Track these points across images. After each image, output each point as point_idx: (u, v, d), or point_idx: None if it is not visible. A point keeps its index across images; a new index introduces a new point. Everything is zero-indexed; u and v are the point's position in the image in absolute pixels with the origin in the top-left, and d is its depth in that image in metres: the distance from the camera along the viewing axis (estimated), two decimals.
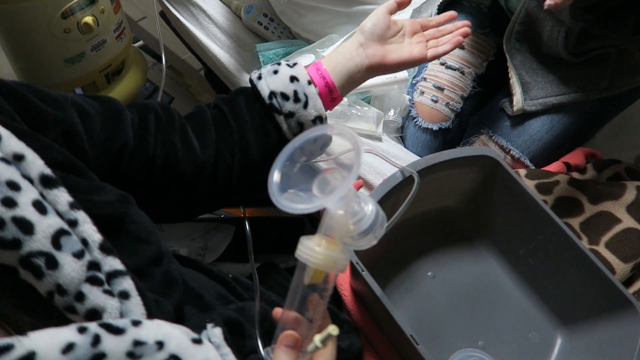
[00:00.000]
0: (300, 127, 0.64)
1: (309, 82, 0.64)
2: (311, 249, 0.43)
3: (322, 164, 0.73)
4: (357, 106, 1.03)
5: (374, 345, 0.65)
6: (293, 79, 0.63)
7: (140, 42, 1.47)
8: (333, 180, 0.43)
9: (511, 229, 0.74)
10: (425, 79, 1.05)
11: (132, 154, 0.56)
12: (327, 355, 0.44)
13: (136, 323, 0.39)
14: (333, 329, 0.42)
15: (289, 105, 0.63)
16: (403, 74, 1.04)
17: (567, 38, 0.88)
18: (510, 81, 0.96)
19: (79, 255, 0.41)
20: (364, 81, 0.69)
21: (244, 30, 1.08)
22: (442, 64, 1.03)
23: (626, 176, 0.90)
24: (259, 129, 0.63)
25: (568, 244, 0.67)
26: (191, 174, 0.60)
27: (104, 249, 0.43)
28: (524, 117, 0.95)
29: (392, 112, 1.07)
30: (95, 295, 0.40)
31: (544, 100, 0.93)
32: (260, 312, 0.57)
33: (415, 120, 1.04)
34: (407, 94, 1.08)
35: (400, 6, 0.71)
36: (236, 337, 0.51)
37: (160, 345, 0.38)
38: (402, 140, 1.09)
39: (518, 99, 0.94)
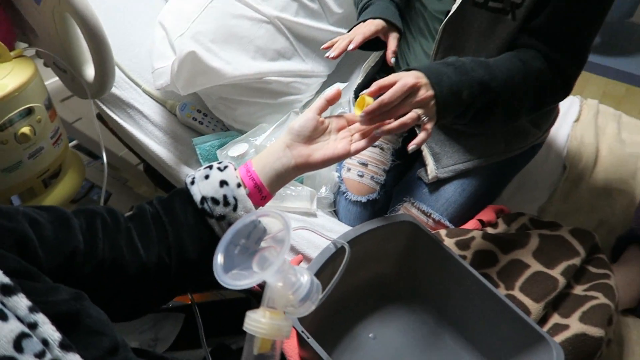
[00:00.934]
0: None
1: (239, 185, 0.67)
2: (257, 320, 0.49)
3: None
4: (292, 187, 1.12)
5: None
6: (223, 183, 0.67)
7: (75, 142, 1.51)
8: (270, 257, 0.50)
9: (439, 285, 0.83)
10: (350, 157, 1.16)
11: (83, 258, 0.59)
12: None
13: None
14: None
15: (219, 209, 0.66)
16: None
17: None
18: (423, 153, 1.09)
19: (40, 355, 0.44)
20: (293, 178, 0.73)
21: (179, 126, 1.16)
22: None
23: (530, 226, 1.02)
24: (194, 231, 0.67)
25: (487, 292, 0.76)
26: (137, 275, 0.64)
27: (64, 346, 0.46)
28: (439, 183, 1.07)
29: (323, 189, 1.17)
30: None
31: (454, 167, 1.06)
32: None
33: (345, 194, 1.14)
34: (336, 172, 1.19)
35: (331, 103, 0.74)
36: None
37: None
38: (335, 214, 1.18)
39: (431, 169, 1.06)
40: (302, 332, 0.65)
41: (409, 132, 1.17)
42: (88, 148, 1.51)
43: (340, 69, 1.37)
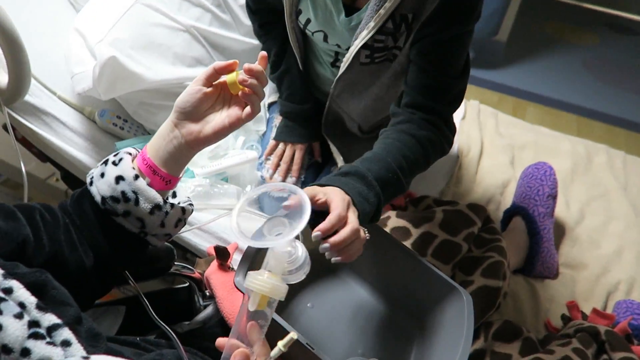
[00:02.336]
0: (141, 222, 0.67)
1: (136, 177, 0.65)
2: (259, 279, 0.56)
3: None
4: (219, 185, 1.17)
5: None
6: (119, 179, 0.64)
7: None
8: (282, 227, 0.60)
9: (367, 257, 0.92)
10: (269, 158, 1.24)
11: (33, 250, 0.60)
12: None
13: (86, 358, 0.45)
14: (293, 334, 0.54)
15: (121, 207, 0.65)
16: (252, 154, 1.22)
17: (359, 127, 1.18)
18: (333, 154, 1.21)
19: (19, 316, 0.46)
20: (191, 156, 0.69)
21: (99, 132, 1.16)
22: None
23: (434, 205, 1.17)
24: (107, 231, 0.67)
25: (408, 257, 0.87)
26: (76, 271, 0.65)
27: (40, 308, 0.48)
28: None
29: (248, 188, 1.23)
30: (40, 348, 0.45)
31: None
32: (177, 355, 0.65)
33: (269, 192, 1.21)
34: (258, 170, 1.26)
35: (220, 72, 0.66)
36: None
37: None
38: (261, 210, 1.25)
39: (340, 166, 1.18)
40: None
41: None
42: None
43: None
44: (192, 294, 0.91)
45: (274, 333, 0.69)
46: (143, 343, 0.69)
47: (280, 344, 0.54)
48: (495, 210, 1.32)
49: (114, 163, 0.66)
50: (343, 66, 1.01)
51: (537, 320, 1.09)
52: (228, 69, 0.66)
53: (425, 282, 0.87)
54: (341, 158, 1.21)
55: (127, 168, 0.65)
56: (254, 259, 0.77)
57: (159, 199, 0.67)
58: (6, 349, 0.44)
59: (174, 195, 0.78)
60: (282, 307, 0.85)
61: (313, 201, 0.68)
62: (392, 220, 1.07)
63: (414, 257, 0.86)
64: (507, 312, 1.09)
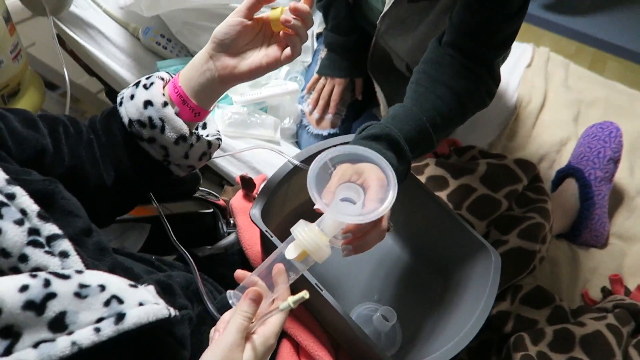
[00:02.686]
0: (165, 150, 0.65)
1: (165, 104, 0.63)
2: (309, 234, 0.55)
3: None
4: (256, 114, 1.14)
5: None
6: (147, 103, 0.63)
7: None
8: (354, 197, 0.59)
9: (395, 204, 0.88)
10: (310, 92, 1.19)
11: (52, 159, 0.60)
12: (282, 315, 0.54)
13: (79, 272, 0.45)
14: (305, 293, 0.52)
15: (147, 132, 0.64)
16: (293, 86, 1.17)
17: (407, 66, 1.08)
18: (377, 94, 1.14)
19: (19, 222, 0.46)
20: (223, 91, 0.67)
21: (142, 50, 1.15)
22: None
23: (480, 157, 1.10)
24: (131, 152, 0.66)
25: (437, 208, 0.82)
26: (95, 187, 0.65)
27: (42, 217, 0.48)
28: None
29: (287, 120, 1.19)
30: (37, 256, 0.46)
31: None
32: (187, 278, 0.65)
33: (307, 128, 1.18)
34: (299, 104, 1.22)
35: (264, 2, 0.61)
36: (167, 296, 0.58)
37: (102, 288, 0.45)
38: (298, 145, 1.22)
39: (383, 108, 1.11)
40: (266, 231, 0.69)
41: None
42: (45, 76, 1.47)
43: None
44: (217, 220, 0.91)
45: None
46: (158, 262, 0.70)
47: (291, 300, 0.52)
48: (548, 169, 1.22)
49: (145, 86, 0.64)
50: (388, 2, 0.93)
51: (574, 290, 1.03)
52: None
53: (454, 237, 0.83)
54: (384, 99, 1.14)
55: (157, 94, 0.63)
56: (272, 195, 0.75)
57: (185, 129, 0.65)
58: (4, 253, 0.45)
59: (204, 126, 0.76)
60: None
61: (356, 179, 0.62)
62: (430, 169, 1.02)
63: (445, 209, 0.81)
64: (542, 277, 1.03)
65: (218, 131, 0.76)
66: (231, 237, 0.89)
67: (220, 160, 1.09)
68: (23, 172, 0.52)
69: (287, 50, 0.63)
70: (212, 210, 0.90)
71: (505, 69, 0.93)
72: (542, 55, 1.50)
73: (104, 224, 0.72)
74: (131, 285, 0.48)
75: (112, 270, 0.55)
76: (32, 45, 1.46)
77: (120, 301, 0.46)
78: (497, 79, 0.85)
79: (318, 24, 1.31)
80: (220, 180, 1.20)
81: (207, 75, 0.63)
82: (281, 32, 0.62)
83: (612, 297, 0.97)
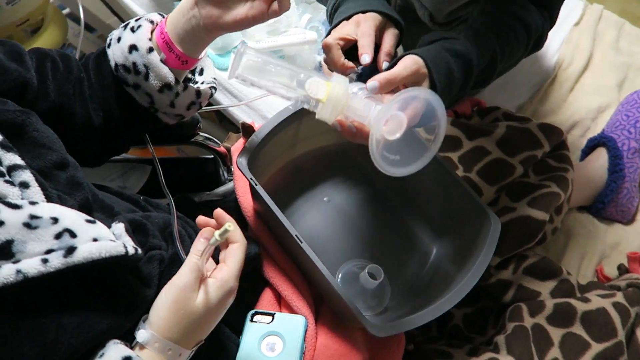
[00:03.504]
0: (150, 98, 0.65)
1: (150, 50, 0.61)
2: (343, 91, 0.58)
3: None
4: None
5: (271, 253, 0.74)
6: (132, 48, 0.61)
7: (67, 10, 1.48)
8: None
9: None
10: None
11: (35, 95, 0.60)
12: (238, 257, 0.54)
13: (33, 203, 0.46)
14: (229, 225, 0.51)
15: (131, 78, 0.63)
16: (312, 36, 1.13)
17: (431, 16, 1.00)
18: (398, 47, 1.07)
19: None
20: (212, 39, 0.64)
21: None
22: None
23: (503, 119, 1.03)
24: (119, 96, 0.66)
25: (440, 170, 0.78)
26: (82, 125, 0.65)
27: (4, 146, 0.49)
28: None
29: (302, 75, 1.15)
30: None
31: None
32: (166, 220, 0.66)
33: None
34: (318, 55, 1.17)
35: None
36: (139, 235, 0.58)
37: (55, 220, 0.45)
38: None
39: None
40: (251, 179, 0.68)
41: None
42: (77, 15, 1.49)
43: None
44: (217, 166, 0.91)
45: (277, 227, 0.67)
46: (144, 202, 0.71)
47: (217, 233, 0.51)
48: (580, 137, 1.13)
49: (132, 29, 0.62)
50: None
51: (589, 265, 0.97)
52: None
53: (454, 199, 0.79)
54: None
55: (143, 38, 0.62)
56: (263, 143, 0.73)
57: (169, 77, 0.63)
58: None
59: (201, 72, 0.74)
60: (296, 196, 0.83)
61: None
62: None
63: (446, 169, 0.77)
64: (555, 249, 0.97)
65: (214, 79, 0.74)
66: (230, 185, 0.89)
67: (233, 108, 1.08)
68: None
69: (275, 5, 0.60)
70: (212, 156, 0.90)
71: None
72: (594, 13, 1.37)
73: (95, 163, 0.73)
74: (88, 221, 0.49)
75: (85, 205, 0.55)
76: None
77: (73, 235, 0.46)
78: (554, 22, 0.83)
79: None
80: (237, 128, 1.20)
81: (192, 22, 0.61)
82: None
83: (628, 275, 0.91)
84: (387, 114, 0.56)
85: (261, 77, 0.64)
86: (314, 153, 0.85)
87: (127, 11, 1.09)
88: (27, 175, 0.48)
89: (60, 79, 0.63)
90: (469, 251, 0.76)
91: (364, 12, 0.78)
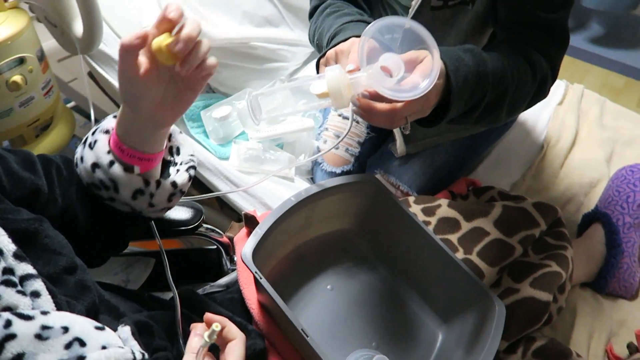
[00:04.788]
0: (128, 205, 0.65)
1: (111, 164, 0.61)
2: (339, 78, 0.60)
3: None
4: (272, 150, 1.15)
5: (278, 348, 0.73)
6: (94, 166, 0.62)
7: (73, 103, 1.55)
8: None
9: (398, 244, 0.86)
10: (327, 128, 1.19)
11: (46, 200, 0.62)
12: (237, 353, 0.54)
13: (45, 312, 0.46)
14: (216, 325, 0.52)
15: (104, 193, 0.64)
16: (309, 123, 1.18)
17: None
18: (393, 130, 1.12)
19: None
20: (165, 132, 0.64)
21: None
22: (339, 115, 1.18)
23: (498, 198, 1.05)
24: (102, 208, 0.66)
25: (442, 253, 0.79)
26: (86, 226, 0.66)
27: (17, 256, 0.50)
28: (408, 157, 1.10)
29: (302, 157, 1.20)
30: (9, 295, 0.47)
31: (422, 143, 1.09)
32: (170, 319, 0.66)
33: (321, 165, 1.17)
34: (316, 140, 1.22)
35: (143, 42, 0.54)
36: (145, 336, 0.58)
37: (65, 329, 0.46)
38: (312, 181, 1.22)
39: (400, 144, 1.09)
40: (256, 272, 0.69)
41: None
42: (84, 109, 1.56)
43: None
44: (220, 257, 0.92)
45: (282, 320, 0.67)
46: (149, 300, 0.71)
47: (206, 335, 0.52)
48: (575, 213, 1.16)
49: (90, 146, 0.62)
50: (411, 12, 0.89)
51: (599, 343, 0.95)
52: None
53: (456, 282, 0.79)
54: (400, 134, 1.10)
55: (102, 153, 0.61)
56: (267, 234, 0.74)
57: (137, 184, 0.63)
58: None
59: (178, 151, 0.73)
60: (299, 286, 0.83)
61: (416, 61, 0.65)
62: (442, 210, 0.98)
63: (448, 254, 0.78)
64: (562, 328, 0.96)
65: (192, 155, 0.73)
66: (233, 275, 0.89)
67: (233, 195, 1.10)
68: (11, 210, 0.55)
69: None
70: (215, 247, 0.91)
71: (534, 107, 0.90)
72: (576, 92, 1.44)
73: (98, 263, 0.73)
74: (97, 328, 0.49)
75: (92, 309, 0.56)
76: (74, 80, 1.56)
77: (83, 344, 0.46)
78: (555, 75, 0.86)
79: None
80: (238, 215, 1.22)
81: (135, 123, 0.60)
82: (177, 64, 0.53)
83: (637, 355, 0.89)
84: (384, 61, 0.61)
85: (277, 109, 0.69)
86: (315, 241, 0.87)
87: None
88: (38, 285, 0.49)
89: (64, 184, 0.66)
90: (475, 337, 0.75)
91: (358, 36, 0.78)
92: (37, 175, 0.62)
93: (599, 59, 2.50)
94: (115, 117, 0.65)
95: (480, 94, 0.73)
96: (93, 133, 0.64)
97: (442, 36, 0.94)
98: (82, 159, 0.64)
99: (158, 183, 0.66)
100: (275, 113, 0.68)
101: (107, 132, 0.63)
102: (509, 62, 0.77)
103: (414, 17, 0.89)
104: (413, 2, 0.88)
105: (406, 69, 0.64)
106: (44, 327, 0.45)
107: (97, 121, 1.23)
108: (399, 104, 0.63)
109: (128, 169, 0.62)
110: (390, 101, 0.63)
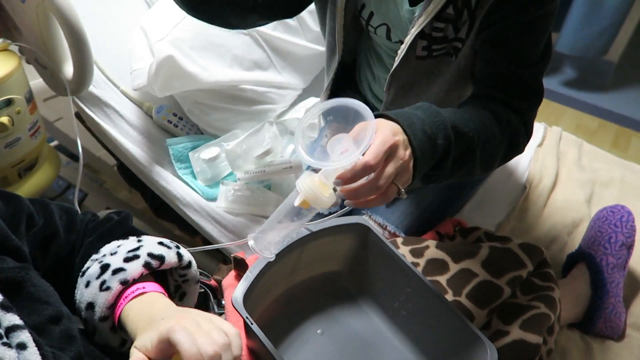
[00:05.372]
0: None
1: (102, 319, 0.59)
2: (308, 182, 0.61)
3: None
4: (259, 192, 1.15)
5: None
6: (89, 306, 0.60)
7: (55, 142, 1.54)
8: (347, 145, 0.61)
9: (386, 286, 0.86)
10: (315, 170, 1.19)
11: (60, 244, 0.64)
12: None
13: None
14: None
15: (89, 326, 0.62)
16: (297, 162, 1.19)
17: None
18: None
19: None
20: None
21: (155, 128, 1.20)
22: None
23: (485, 239, 1.07)
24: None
25: (432, 296, 0.79)
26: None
27: (4, 307, 0.49)
28: (395, 198, 1.11)
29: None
30: None
31: (410, 187, 1.10)
32: None
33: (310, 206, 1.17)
34: None
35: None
36: None
37: None
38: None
39: None
40: (247, 317, 0.68)
41: None
42: (68, 148, 1.54)
43: (316, 83, 1.42)
44: (207, 300, 0.90)
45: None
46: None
47: None
48: (559, 252, 1.17)
49: (102, 285, 0.60)
50: (397, 60, 0.91)
51: None
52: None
53: (448, 327, 0.79)
54: None
55: (103, 305, 0.59)
56: (258, 278, 0.74)
57: (114, 343, 0.62)
58: None
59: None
60: (288, 330, 0.82)
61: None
62: (430, 251, 0.99)
63: (439, 296, 0.78)
64: None
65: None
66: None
67: (221, 237, 1.09)
68: None
69: None
70: (202, 290, 0.89)
71: None
72: (554, 135, 1.49)
73: None
74: None
75: (78, 359, 0.54)
76: (59, 120, 1.55)
77: None
78: (529, 131, 0.87)
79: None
80: (225, 257, 1.20)
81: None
82: None
83: None
84: (335, 146, 0.62)
85: (279, 235, 0.69)
86: (305, 284, 0.86)
87: (119, 148, 1.14)
88: (25, 336, 0.48)
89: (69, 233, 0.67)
90: None
91: None
92: (53, 219, 0.65)
93: (573, 102, 2.59)
94: (148, 263, 0.62)
95: (443, 142, 0.69)
96: (114, 272, 0.60)
97: (427, 85, 0.97)
98: (87, 284, 0.61)
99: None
100: (284, 240, 0.71)
101: (124, 282, 0.60)
102: (473, 114, 0.77)
103: (400, 65, 0.93)
104: (399, 51, 0.91)
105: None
106: None
107: (87, 165, 1.22)
108: (377, 173, 0.61)
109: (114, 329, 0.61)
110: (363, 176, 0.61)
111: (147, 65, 1.09)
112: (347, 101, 0.63)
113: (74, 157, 1.64)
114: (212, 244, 1.12)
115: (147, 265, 0.62)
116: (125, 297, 0.60)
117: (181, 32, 1.12)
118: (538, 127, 1.51)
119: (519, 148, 0.87)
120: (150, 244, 0.65)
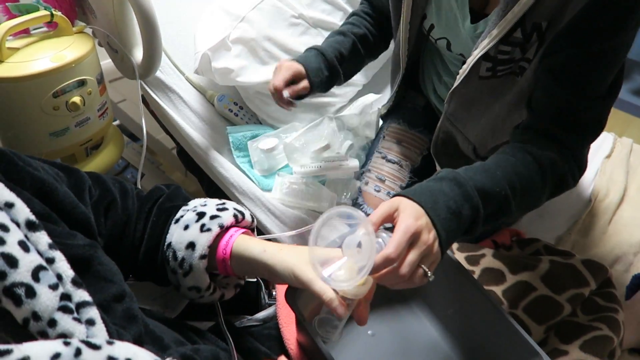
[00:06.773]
0: (178, 283, 0.70)
1: (202, 257, 0.66)
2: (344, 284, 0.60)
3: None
4: (313, 186, 1.15)
5: None
6: (190, 245, 0.67)
7: (117, 122, 1.60)
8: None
9: (443, 293, 0.84)
10: (370, 170, 1.18)
11: (118, 210, 0.67)
12: None
13: (110, 342, 0.46)
14: None
15: (173, 264, 0.68)
16: (354, 163, 1.17)
17: (475, 149, 1.05)
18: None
19: (54, 287, 0.48)
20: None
21: (215, 115, 1.21)
22: (383, 158, 1.17)
23: (544, 252, 1.03)
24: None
25: (489, 306, 0.77)
26: (128, 254, 0.71)
27: (75, 283, 0.50)
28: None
29: (344, 195, 1.19)
30: (65, 322, 0.47)
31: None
32: (214, 354, 0.65)
33: (361, 207, 1.16)
34: (358, 180, 1.21)
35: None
36: None
37: None
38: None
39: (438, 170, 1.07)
40: (300, 314, 0.67)
41: (429, 150, 1.17)
42: (129, 129, 1.60)
43: (376, 79, 1.40)
44: (259, 290, 0.91)
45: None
46: (190, 332, 0.70)
47: None
48: (624, 273, 1.11)
49: (202, 227, 0.67)
50: (459, 78, 0.89)
51: None
52: None
53: (505, 339, 0.76)
54: None
55: (204, 243, 0.66)
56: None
57: (203, 285, 0.69)
58: (36, 317, 0.46)
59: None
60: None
61: (390, 218, 0.63)
62: (487, 259, 0.96)
63: (496, 307, 0.76)
64: None
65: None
66: (271, 310, 0.88)
67: (272, 227, 1.10)
68: (68, 234, 0.55)
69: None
70: (255, 280, 0.90)
71: None
72: (624, 146, 1.41)
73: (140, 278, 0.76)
74: None
75: (139, 339, 0.56)
76: (123, 101, 1.60)
77: None
78: (582, 165, 0.81)
79: (383, 102, 1.32)
80: None
81: (259, 267, 0.66)
82: None
83: None
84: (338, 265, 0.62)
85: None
86: None
87: (180, 132, 1.16)
88: (93, 312, 0.49)
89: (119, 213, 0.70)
90: None
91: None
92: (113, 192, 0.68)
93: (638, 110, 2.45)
94: (236, 213, 0.71)
95: (470, 213, 0.67)
96: (212, 217, 0.68)
97: (488, 103, 0.94)
98: (187, 227, 0.68)
99: (213, 291, 0.71)
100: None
101: (221, 226, 0.68)
102: (508, 166, 0.73)
103: (461, 84, 0.90)
104: (460, 71, 0.88)
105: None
106: (111, 358, 0.44)
107: (135, 137, 1.25)
108: (399, 262, 0.59)
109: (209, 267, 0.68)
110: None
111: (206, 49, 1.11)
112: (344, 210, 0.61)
113: (134, 137, 1.69)
114: (265, 234, 1.13)
115: (235, 216, 0.70)
116: (231, 235, 0.68)
117: (246, 25, 1.13)
118: (607, 137, 1.44)
119: (568, 186, 0.81)
120: (231, 203, 0.74)
